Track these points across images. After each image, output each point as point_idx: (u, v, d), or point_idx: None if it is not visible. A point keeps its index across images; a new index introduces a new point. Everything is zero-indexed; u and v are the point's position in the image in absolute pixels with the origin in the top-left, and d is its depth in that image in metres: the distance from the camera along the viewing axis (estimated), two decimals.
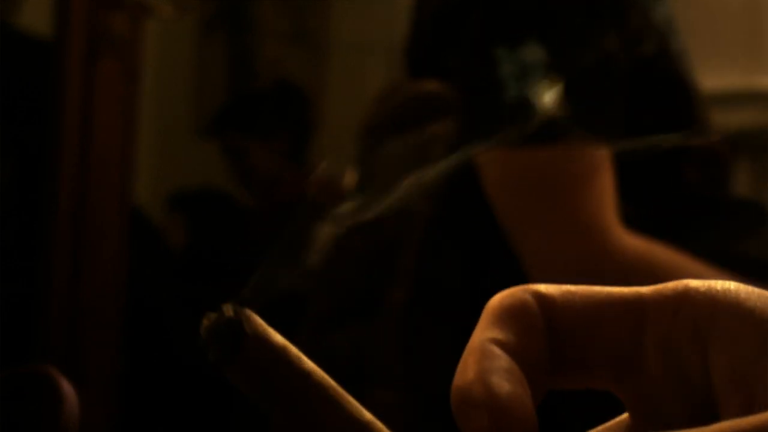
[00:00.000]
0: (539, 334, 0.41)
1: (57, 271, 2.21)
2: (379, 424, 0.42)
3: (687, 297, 0.40)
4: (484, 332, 0.41)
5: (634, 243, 1.25)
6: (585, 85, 1.26)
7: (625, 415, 0.42)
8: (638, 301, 0.41)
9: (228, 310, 0.46)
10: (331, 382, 0.44)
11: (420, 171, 0.51)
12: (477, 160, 1.28)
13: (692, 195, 1.36)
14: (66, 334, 2.21)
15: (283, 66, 4.38)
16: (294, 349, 0.45)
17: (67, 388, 0.84)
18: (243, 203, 3.80)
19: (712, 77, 2.53)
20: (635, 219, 1.29)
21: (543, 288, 0.42)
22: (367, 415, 0.43)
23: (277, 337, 0.45)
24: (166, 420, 2.94)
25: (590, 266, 1.24)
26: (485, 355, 0.40)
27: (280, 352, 0.44)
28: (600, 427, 0.43)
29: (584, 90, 1.26)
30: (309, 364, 0.44)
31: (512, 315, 0.41)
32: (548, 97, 1.25)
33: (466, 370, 0.40)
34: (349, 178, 1.49)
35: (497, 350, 0.40)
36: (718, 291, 0.40)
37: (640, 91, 1.31)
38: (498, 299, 0.42)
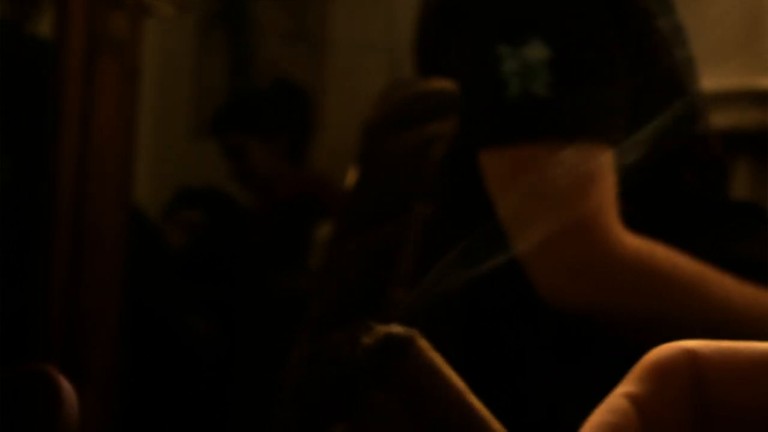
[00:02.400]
0: (684, 391, 0.41)
1: (57, 271, 2.21)
2: None
3: None
4: (623, 386, 0.42)
5: (634, 243, 1.25)
6: (586, 85, 1.26)
7: None
8: None
9: (393, 327, 0.46)
10: (480, 407, 0.45)
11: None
12: (479, 159, 1.28)
13: (692, 196, 1.36)
14: (66, 334, 2.21)
15: (283, 66, 4.38)
16: (451, 373, 0.45)
17: (66, 387, 0.84)
18: (243, 203, 3.80)
19: (711, 78, 2.52)
20: (636, 220, 1.29)
21: (695, 344, 0.43)
22: None
23: (437, 360, 0.46)
24: (165, 419, 2.94)
25: (590, 267, 1.24)
26: (609, 408, 0.41)
27: (437, 375, 0.45)
28: None
29: (585, 90, 1.26)
30: (463, 388, 0.45)
31: (656, 371, 0.42)
32: (550, 96, 1.25)
33: (589, 421, 0.41)
34: (350, 177, 1.48)
35: (625, 405, 0.41)
36: None
37: (642, 95, 1.31)
38: (649, 355, 0.43)
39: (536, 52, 1.25)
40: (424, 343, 0.47)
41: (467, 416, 0.44)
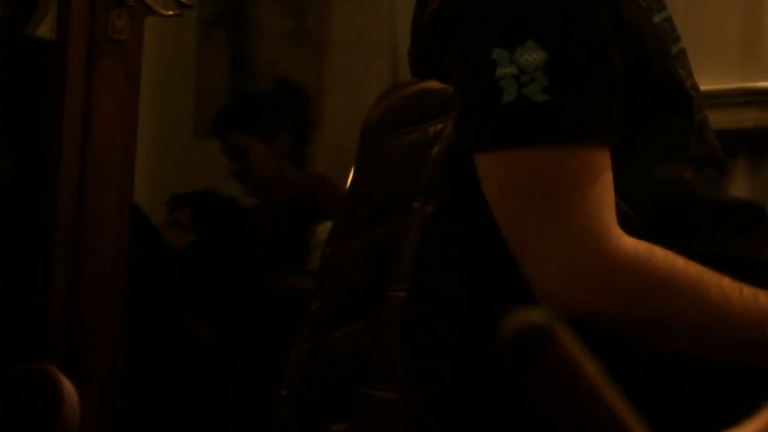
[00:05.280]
0: None
1: (57, 271, 2.21)
2: None
3: None
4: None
5: (632, 246, 1.25)
6: (582, 88, 1.26)
7: None
8: None
9: (532, 314, 0.46)
10: (620, 397, 0.45)
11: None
12: (476, 161, 1.28)
13: (690, 196, 1.36)
14: (66, 334, 2.22)
15: (283, 66, 4.38)
16: (589, 362, 0.46)
17: (67, 387, 0.84)
18: (243, 203, 3.81)
19: (711, 78, 2.53)
20: (634, 221, 1.29)
21: None
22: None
23: (575, 348, 0.46)
24: (166, 419, 2.94)
25: (588, 271, 1.24)
26: None
27: (574, 364, 0.45)
28: None
29: (581, 93, 1.26)
30: (599, 378, 0.45)
31: None
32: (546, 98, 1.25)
33: None
34: (350, 177, 1.49)
35: None
36: None
37: (638, 93, 1.31)
38: None
39: (532, 55, 1.25)
40: (563, 332, 0.47)
41: (602, 406, 0.45)
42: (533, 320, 0.46)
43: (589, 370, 0.46)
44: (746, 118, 2.70)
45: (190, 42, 4.55)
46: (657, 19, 1.38)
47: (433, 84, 1.38)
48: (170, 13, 2.36)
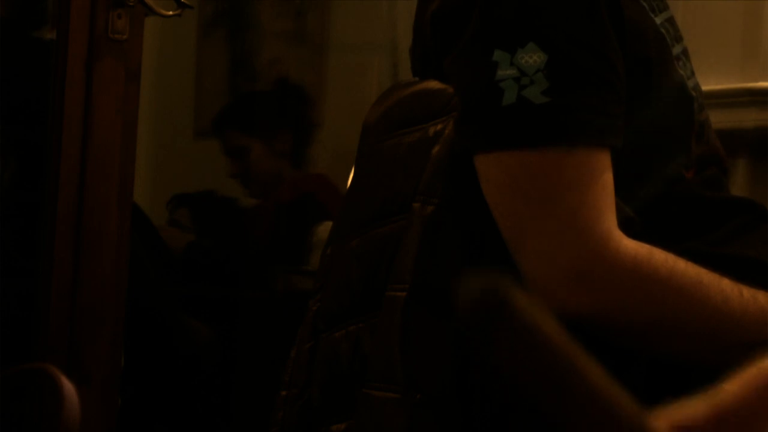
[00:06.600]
0: None
1: (57, 271, 2.22)
2: (625, 397, 0.42)
3: None
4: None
5: (632, 248, 1.25)
6: (583, 89, 1.26)
7: None
8: None
9: (492, 278, 0.47)
10: (582, 355, 0.46)
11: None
12: (476, 162, 1.28)
13: (691, 196, 1.36)
14: (66, 334, 2.22)
15: (283, 66, 4.38)
16: (551, 320, 0.46)
17: (67, 386, 0.84)
18: (243, 203, 3.81)
19: (711, 78, 2.53)
20: (634, 222, 1.29)
21: None
22: (615, 390, 0.45)
23: (536, 307, 0.47)
24: (165, 419, 2.94)
25: (589, 273, 1.24)
26: None
27: (538, 321, 0.46)
28: None
29: (582, 95, 1.26)
30: (564, 336, 0.46)
31: None
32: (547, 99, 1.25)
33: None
34: (351, 177, 1.49)
35: None
36: None
37: (638, 93, 1.31)
38: None
39: (532, 57, 1.24)
40: (520, 293, 0.48)
41: (563, 358, 0.45)
42: (490, 283, 0.47)
43: (547, 327, 0.47)
44: (747, 118, 2.69)
45: (190, 42, 4.55)
46: (658, 19, 1.38)
47: (433, 84, 1.38)
48: (170, 13, 2.36)
